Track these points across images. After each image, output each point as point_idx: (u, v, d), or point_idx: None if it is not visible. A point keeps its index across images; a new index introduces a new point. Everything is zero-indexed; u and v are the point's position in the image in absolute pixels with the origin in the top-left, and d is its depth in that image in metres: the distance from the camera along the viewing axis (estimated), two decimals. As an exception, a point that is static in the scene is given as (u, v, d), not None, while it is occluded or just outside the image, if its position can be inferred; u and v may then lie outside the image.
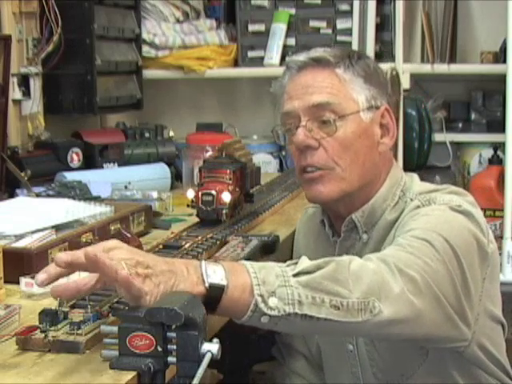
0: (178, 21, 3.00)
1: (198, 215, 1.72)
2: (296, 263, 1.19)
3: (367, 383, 1.55)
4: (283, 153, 3.06)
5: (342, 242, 1.53)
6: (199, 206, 1.70)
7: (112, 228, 1.67)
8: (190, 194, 1.72)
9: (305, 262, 1.19)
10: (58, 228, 1.59)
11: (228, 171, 1.74)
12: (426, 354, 1.45)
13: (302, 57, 1.51)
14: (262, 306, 1.11)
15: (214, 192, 1.69)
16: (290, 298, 1.13)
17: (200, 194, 1.70)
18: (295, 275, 1.16)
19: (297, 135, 1.46)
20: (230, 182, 1.73)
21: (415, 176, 1.57)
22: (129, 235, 1.67)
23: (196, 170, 1.87)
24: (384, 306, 1.19)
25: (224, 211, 1.70)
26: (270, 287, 1.12)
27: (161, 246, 1.55)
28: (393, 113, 1.52)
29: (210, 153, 2.23)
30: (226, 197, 1.70)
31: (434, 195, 1.45)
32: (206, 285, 1.10)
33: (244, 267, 1.14)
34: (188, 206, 1.74)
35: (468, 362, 1.45)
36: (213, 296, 1.11)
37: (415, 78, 2.92)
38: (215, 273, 1.12)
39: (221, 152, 1.83)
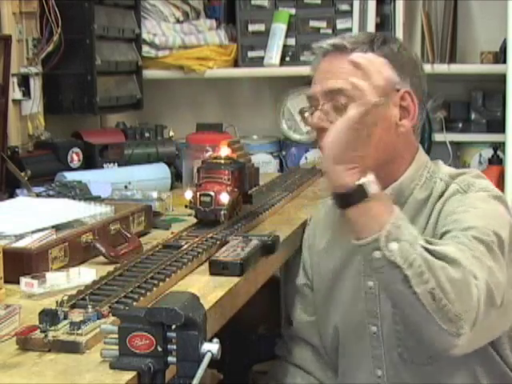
0: (178, 21, 3.00)
1: (195, 216, 1.71)
2: (431, 243, 1.28)
3: (391, 365, 1.58)
4: (283, 153, 3.06)
5: None
6: (197, 207, 1.69)
7: (112, 228, 1.67)
8: (188, 194, 1.71)
9: (439, 246, 1.28)
10: (58, 228, 1.59)
11: (227, 172, 1.73)
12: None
13: (324, 43, 1.62)
14: (383, 239, 1.24)
15: (212, 193, 1.68)
16: (406, 256, 1.23)
17: (198, 194, 1.69)
18: (424, 248, 1.25)
19: (312, 118, 1.56)
20: (229, 182, 1.72)
21: (440, 161, 1.64)
22: (129, 235, 1.67)
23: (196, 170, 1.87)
24: (468, 330, 1.26)
25: (222, 212, 1.68)
26: (400, 235, 1.24)
27: (161, 246, 1.55)
28: (417, 94, 1.56)
29: (210, 153, 2.22)
30: (225, 198, 1.68)
31: (469, 180, 1.52)
32: (359, 182, 1.28)
33: (393, 208, 1.29)
34: (186, 206, 1.72)
35: (494, 353, 1.53)
36: (354, 196, 1.27)
37: (415, 78, 2.92)
38: (371, 185, 1.29)
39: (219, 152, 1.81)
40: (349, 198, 1.29)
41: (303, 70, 2.92)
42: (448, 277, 1.24)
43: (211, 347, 1.01)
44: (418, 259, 1.24)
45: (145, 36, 2.88)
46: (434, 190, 1.55)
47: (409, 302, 1.27)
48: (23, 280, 1.33)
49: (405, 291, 1.25)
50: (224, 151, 1.79)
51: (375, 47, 1.54)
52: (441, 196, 1.54)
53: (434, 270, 1.24)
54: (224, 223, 1.70)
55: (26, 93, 2.32)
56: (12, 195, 2.03)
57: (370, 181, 1.29)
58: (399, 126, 1.53)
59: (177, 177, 2.44)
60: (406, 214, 1.49)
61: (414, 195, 1.56)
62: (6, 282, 1.33)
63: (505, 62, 2.64)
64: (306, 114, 1.61)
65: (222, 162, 1.76)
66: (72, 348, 1.09)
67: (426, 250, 1.26)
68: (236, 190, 1.76)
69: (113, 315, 1.15)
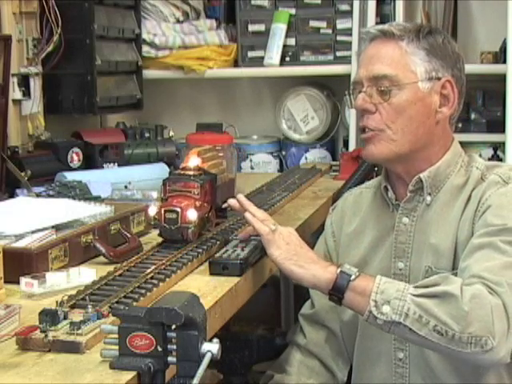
0: (178, 21, 3.00)
1: (160, 235, 1.56)
2: (426, 286, 1.39)
3: (414, 347, 1.61)
4: (283, 153, 3.06)
5: (406, 203, 1.65)
6: (162, 225, 1.52)
7: (112, 228, 1.67)
8: (152, 210, 1.55)
9: (429, 288, 1.38)
10: (58, 228, 1.59)
11: (196, 185, 1.56)
12: None
13: (372, 29, 1.68)
14: (373, 309, 1.38)
15: (178, 209, 1.51)
16: (399, 310, 1.36)
17: (163, 210, 1.52)
18: (414, 295, 1.37)
19: (357, 100, 1.63)
20: (198, 196, 1.55)
21: (474, 154, 1.73)
22: (129, 235, 1.67)
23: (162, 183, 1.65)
24: (498, 345, 1.33)
25: (190, 230, 1.51)
26: (387, 297, 1.38)
27: (161, 246, 1.55)
28: (457, 85, 1.66)
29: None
30: (192, 214, 1.52)
31: (509, 173, 1.59)
32: (338, 271, 1.43)
33: (374, 277, 1.42)
34: (150, 224, 1.59)
35: None
36: (339, 284, 1.42)
37: (415, 78, 2.91)
38: (350, 269, 1.44)
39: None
40: (339, 287, 1.43)
41: (303, 70, 2.94)
42: (445, 310, 1.35)
43: (211, 347, 1.01)
44: (412, 307, 1.36)
45: (145, 36, 2.88)
46: (470, 177, 1.62)
47: (426, 344, 1.40)
48: (23, 280, 1.33)
49: (416, 338, 1.38)
50: (193, 161, 1.63)
51: (421, 36, 1.61)
52: (478, 183, 1.60)
53: (429, 309, 1.35)
54: (192, 242, 1.55)
55: (26, 93, 2.32)
56: (12, 195, 2.03)
57: (347, 267, 1.45)
58: (438, 112, 1.62)
59: (177, 177, 2.44)
60: (442, 197, 1.62)
61: (450, 180, 1.63)
62: (6, 282, 1.33)
63: (505, 62, 2.64)
64: (351, 97, 1.68)
65: (191, 173, 1.59)
66: (72, 348, 1.09)
67: (417, 295, 1.37)
68: (206, 204, 1.60)
69: (113, 315, 1.15)
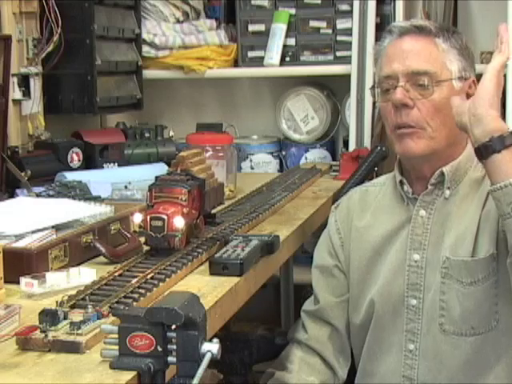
0: (178, 21, 3.00)
1: (145, 243, 1.51)
2: None
3: (427, 338, 1.62)
4: (283, 153, 3.06)
5: (424, 196, 1.66)
6: (147, 233, 1.47)
7: (112, 228, 1.67)
8: (137, 218, 1.49)
9: None
10: (58, 228, 1.58)
11: (183, 190, 1.50)
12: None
13: (404, 23, 1.68)
14: None
15: (164, 216, 1.46)
16: None
17: (148, 218, 1.47)
18: None
19: (395, 93, 1.61)
20: (185, 203, 1.49)
21: None
22: (129, 235, 1.67)
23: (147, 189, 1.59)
24: None
25: (177, 238, 1.47)
26: None
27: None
28: (476, 85, 1.64)
29: (210, 153, 2.22)
30: (179, 222, 1.46)
31: None
32: (509, 130, 1.41)
33: None
34: (135, 232, 1.55)
35: None
36: (506, 138, 1.40)
37: (415, 78, 2.91)
38: None
39: (175, 167, 1.59)
40: (505, 141, 1.40)
41: (303, 70, 2.94)
42: None
43: (211, 347, 1.01)
44: None
45: (145, 36, 2.88)
46: None
47: None
48: (23, 280, 1.33)
49: None
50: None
51: (450, 35, 1.64)
52: None
53: None
54: (180, 250, 1.50)
55: (26, 93, 2.32)
56: (12, 195, 2.03)
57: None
58: None
59: (177, 177, 2.44)
60: (461, 191, 1.64)
61: (468, 175, 1.66)
62: (6, 282, 1.33)
63: (505, 61, 2.64)
64: (377, 91, 1.66)
65: (178, 178, 1.53)
66: (72, 348, 1.09)
67: None
68: (194, 211, 1.55)
69: (113, 315, 1.15)
